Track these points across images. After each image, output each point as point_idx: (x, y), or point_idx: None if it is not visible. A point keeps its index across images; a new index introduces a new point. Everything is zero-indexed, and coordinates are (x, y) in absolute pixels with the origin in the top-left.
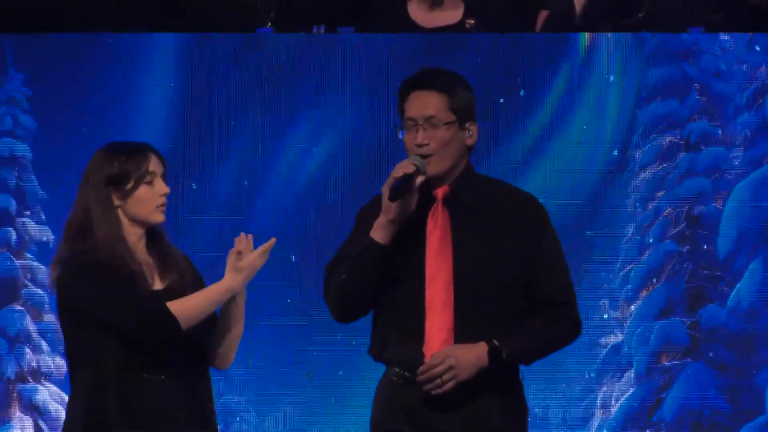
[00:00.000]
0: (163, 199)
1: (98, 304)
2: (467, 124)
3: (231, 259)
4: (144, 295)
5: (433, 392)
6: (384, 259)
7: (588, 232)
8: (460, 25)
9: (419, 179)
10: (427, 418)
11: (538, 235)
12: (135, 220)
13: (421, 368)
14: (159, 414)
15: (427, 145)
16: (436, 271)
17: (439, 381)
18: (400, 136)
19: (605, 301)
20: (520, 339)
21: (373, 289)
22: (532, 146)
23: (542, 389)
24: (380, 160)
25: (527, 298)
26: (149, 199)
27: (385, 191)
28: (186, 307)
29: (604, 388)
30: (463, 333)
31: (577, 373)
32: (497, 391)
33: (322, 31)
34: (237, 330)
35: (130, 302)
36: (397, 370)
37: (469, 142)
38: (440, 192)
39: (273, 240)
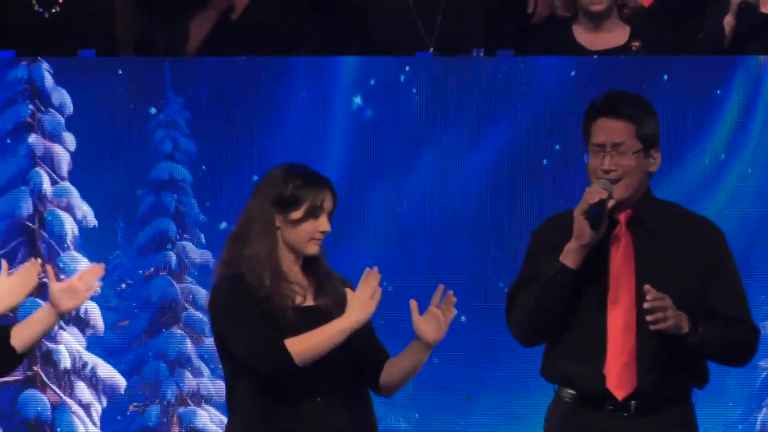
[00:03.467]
0: (321, 235)
1: (230, 339)
2: (651, 151)
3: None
4: (264, 333)
5: (653, 327)
6: (574, 284)
7: (748, 254)
8: (626, 47)
9: (610, 203)
10: None
11: (717, 258)
12: (288, 245)
13: (653, 295)
14: None
15: (615, 171)
16: (618, 293)
17: (661, 314)
18: (585, 159)
19: (765, 323)
20: (710, 326)
21: (562, 313)
22: (702, 171)
23: (701, 410)
24: (543, 182)
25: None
26: (308, 231)
27: (579, 217)
28: (304, 346)
29: (763, 411)
30: (644, 356)
31: (737, 394)
32: (672, 413)
33: (482, 54)
34: (413, 374)
35: (252, 340)
36: (572, 392)
37: (652, 168)
38: (623, 216)
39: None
